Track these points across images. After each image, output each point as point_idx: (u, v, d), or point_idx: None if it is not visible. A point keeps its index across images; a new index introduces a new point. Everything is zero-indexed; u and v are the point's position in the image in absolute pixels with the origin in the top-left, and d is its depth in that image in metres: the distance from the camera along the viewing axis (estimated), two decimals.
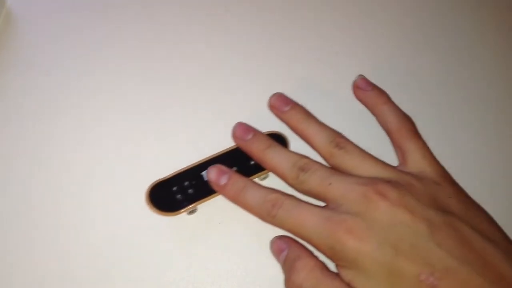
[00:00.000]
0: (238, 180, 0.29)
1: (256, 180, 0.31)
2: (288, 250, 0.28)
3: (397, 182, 0.27)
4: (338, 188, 0.27)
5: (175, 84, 0.38)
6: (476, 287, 0.23)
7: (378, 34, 0.40)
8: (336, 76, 0.38)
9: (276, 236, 0.29)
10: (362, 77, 0.34)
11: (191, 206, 0.30)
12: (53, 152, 0.35)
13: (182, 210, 0.30)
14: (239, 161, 0.31)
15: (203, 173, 0.30)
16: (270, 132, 0.33)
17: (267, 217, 0.28)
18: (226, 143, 0.32)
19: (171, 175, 0.31)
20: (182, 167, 0.31)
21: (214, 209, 0.32)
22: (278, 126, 0.33)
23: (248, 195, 0.29)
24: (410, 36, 0.40)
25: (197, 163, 0.31)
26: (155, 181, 0.31)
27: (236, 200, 0.29)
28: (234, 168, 0.31)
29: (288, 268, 0.27)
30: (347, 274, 0.25)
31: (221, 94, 0.37)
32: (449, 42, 0.40)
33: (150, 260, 0.31)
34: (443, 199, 0.27)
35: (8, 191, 0.34)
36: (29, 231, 0.32)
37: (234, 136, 0.32)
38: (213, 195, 0.30)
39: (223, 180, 0.29)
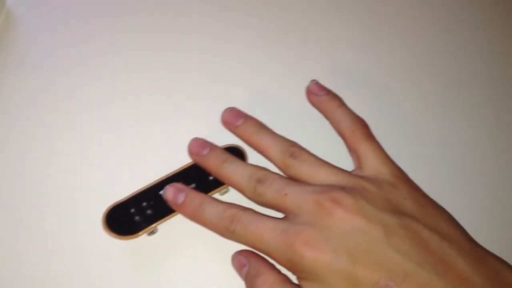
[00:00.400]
0: (195, 197, 0.29)
1: (216, 195, 0.31)
2: (248, 266, 0.27)
3: (351, 188, 0.27)
4: (293, 198, 0.27)
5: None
6: None
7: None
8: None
9: (237, 251, 0.29)
10: (315, 82, 0.34)
11: (150, 227, 0.29)
12: (52, 151, 0.35)
13: (141, 232, 0.29)
14: (198, 177, 0.31)
15: (161, 192, 0.30)
16: (228, 146, 0.32)
17: (226, 233, 0.27)
18: (184, 160, 0.32)
19: (128, 197, 0.30)
20: (139, 188, 0.30)
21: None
22: (236, 139, 0.32)
23: (206, 212, 0.28)
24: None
25: (154, 183, 0.30)
26: (111, 205, 0.30)
27: (194, 218, 0.29)
28: (193, 185, 0.30)
29: (249, 284, 0.27)
30: (308, 286, 0.25)
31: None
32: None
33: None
34: (398, 201, 0.27)
35: (9, 190, 0.34)
36: None
37: (190, 152, 0.31)
38: (172, 214, 0.30)
39: (180, 199, 0.29)
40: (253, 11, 0.41)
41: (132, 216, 0.29)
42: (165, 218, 0.30)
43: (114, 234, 0.29)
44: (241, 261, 0.28)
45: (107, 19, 0.41)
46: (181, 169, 0.31)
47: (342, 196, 0.26)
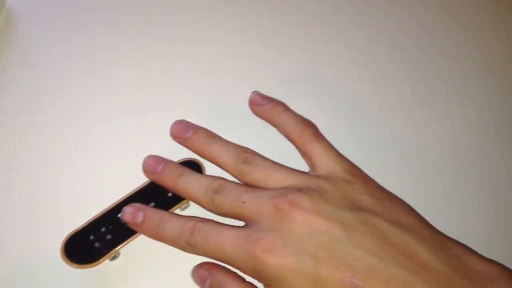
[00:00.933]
0: (154, 215, 0.28)
1: (177, 211, 0.30)
2: (210, 278, 0.27)
3: (308, 188, 0.26)
4: (251, 205, 0.26)
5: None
6: (401, 281, 0.23)
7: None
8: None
9: (197, 265, 0.28)
10: (256, 93, 0.33)
11: (111, 252, 0.28)
12: (52, 151, 0.35)
13: (102, 259, 0.28)
14: (156, 195, 0.30)
15: (120, 215, 0.29)
16: (183, 160, 0.31)
17: (188, 247, 0.27)
18: (140, 179, 0.31)
19: (85, 224, 0.29)
20: (96, 214, 0.29)
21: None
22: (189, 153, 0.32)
23: (166, 228, 0.27)
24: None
25: (112, 206, 0.30)
26: (68, 234, 0.29)
27: (155, 236, 0.28)
28: (152, 204, 0.30)
29: None
30: None
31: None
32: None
33: None
34: (355, 196, 0.26)
35: (9, 190, 0.34)
36: None
37: (144, 170, 0.30)
38: (134, 236, 0.29)
39: (139, 218, 0.28)
40: (253, 11, 0.41)
41: (92, 243, 0.28)
42: (126, 241, 0.29)
43: (75, 264, 0.28)
44: (202, 274, 0.27)
45: (107, 19, 0.41)
46: (138, 189, 0.30)
47: (299, 197, 0.25)
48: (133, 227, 0.29)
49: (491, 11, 0.42)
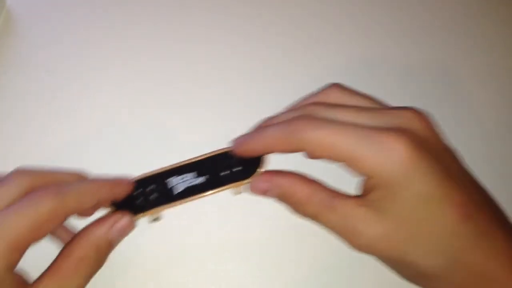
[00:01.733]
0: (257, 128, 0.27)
1: (229, 191, 0.30)
2: (273, 187, 0.26)
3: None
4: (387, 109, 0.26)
5: (176, 82, 0.38)
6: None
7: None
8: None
9: (253, 179, 0.27)
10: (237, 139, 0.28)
11: (152, 210, 0.28)
12: (52, 151, 0.35)
13: (141, 214, 0.28)
14: (211, 170, 0.29)
15: (168, 180, 0.29)
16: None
17: (296, 134, 0.24)
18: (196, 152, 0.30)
19: (137, 178, 0.29)
20: (148, 171, 0.29)
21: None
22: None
23: (268, 130, 0.26)
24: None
25: (164, 169, 0.29)
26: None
27: (258, 143, 0.26)
28: (205, 177, 0.29)
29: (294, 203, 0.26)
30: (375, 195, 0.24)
31: (212, 101, 0.37)
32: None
33: None
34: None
35: None
36: None
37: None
38: (176, 203, 0.29)
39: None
40: (252, 11, 0.41)
41: (136, 198, 0.28)
42: (168, 205, 0.29)
43: (112, 208, 0.28)
44: (262, 186, 0.26)
45: (107, 19, 0.41)
46: (194, 160, 0.29)
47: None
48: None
49: (491, 11, 0.42)
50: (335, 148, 0.24)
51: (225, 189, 0.29)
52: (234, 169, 0.29)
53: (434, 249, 0.23)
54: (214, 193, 0.29)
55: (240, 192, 0.30)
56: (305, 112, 0.26)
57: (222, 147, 0.29)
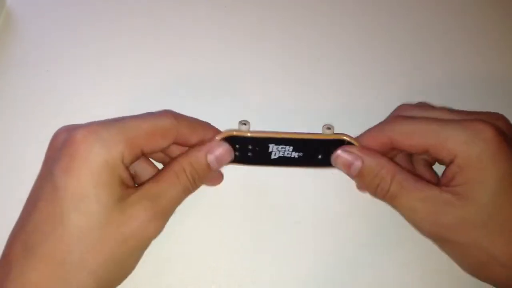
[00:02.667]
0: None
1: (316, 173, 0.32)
2: (362, 161, 0.28)
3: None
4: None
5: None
6: None
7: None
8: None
9: (338, 152, 0.29)
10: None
11: (247, 164, 0.31)
12: None
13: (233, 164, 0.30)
14: (309, 151, 0.30)
15: (271, 145, 0.30)
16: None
17: (386, 129, 0.28)
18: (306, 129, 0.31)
19: (242, 134, 0.30)
20: (254, 132, 0.30)
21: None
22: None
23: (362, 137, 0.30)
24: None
25: (269, 135, 0.30)
26: (230, 132, 0.30)
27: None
28: (300, 154, 0.30)
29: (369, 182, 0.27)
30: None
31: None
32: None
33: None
34: None
35: (10, 191, 0.34)
36: None
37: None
38: (268, 165, 0.31)
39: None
40: (252, 11, 0.41)
41: (235, 150, 0.30)
42: (260, 165, 0.31)
43: None
44: (347, 160, 0.28)
45: (107, 19, 0.41)
46: (300, 137, 0.30)
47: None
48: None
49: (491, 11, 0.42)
50: (417, 135, 0.26)
51: (315, 168, 0.31)
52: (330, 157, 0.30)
53: (509, 235, 0.24)
54: (304, 168, 0.31)
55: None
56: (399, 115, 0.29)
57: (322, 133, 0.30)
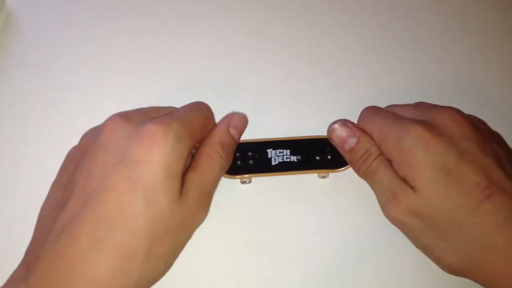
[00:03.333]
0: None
1: (316, 175, 0.33)
2: (358, 138, 0.30)
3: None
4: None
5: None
6: None
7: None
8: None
9: (335, 124, 0.31)
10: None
11: (246, 176, 0.32)
12: (53, 151, 0.35)
13: (238, 176, 0.31)
14: (307, 152, 0.32)
15: (269, 150, 0.32)
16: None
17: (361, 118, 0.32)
18: (301, 133, 0.33)
19: (240, 141, 0.31)
20: (250, 138, 0.32)
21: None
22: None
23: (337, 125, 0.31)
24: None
25: (265, 140, 0.32)
26: None
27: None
28: (298, 157, 0.32)
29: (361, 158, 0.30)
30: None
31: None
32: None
33: None
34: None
35: (11, 191, 0.34)
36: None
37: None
38: (269, 174, 0.32)
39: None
40: (252, 11, 0.41)
41: (236, 159, 0.31)
42: (262, 175, 0.32)
43: None
44: (343, 135, 0.31)
45: (107, 18, 0.41)
46: (295, 138, 0.32)
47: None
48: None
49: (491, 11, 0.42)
50: (371, 125, 0.30)
51: (315, 172, 0.32)
52: (328, 156, 0.32)
53: (454, 222, 0.26)
54: (305, 173, 0.32)
55: (326, 177, 0.33)
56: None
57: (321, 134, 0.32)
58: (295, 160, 0.31)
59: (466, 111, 0.30)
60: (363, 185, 0.31)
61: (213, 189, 0.28)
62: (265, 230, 0.32)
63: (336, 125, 0.31)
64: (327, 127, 0.32)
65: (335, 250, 0.32)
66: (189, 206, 0.26)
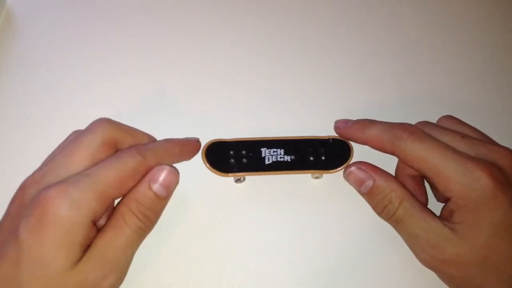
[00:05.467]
0: (364, 120, 0.30)
1: (309, 175, 0.33)
2: (374, 180, 0.28)
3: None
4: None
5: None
6: None
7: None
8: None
9: (352, 166, 0.29)
10: (339, 120, 0.32)
11: (240, 174, 0.31)
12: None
13: (231, 174, 0.31)
14: (301, 152, 0.32)
15: (263, 149, 0.31)
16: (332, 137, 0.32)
17: (395, 140, 0.27)
18: (296, 132, 0.33)
19: (232, 140, 0.32)
20: (244, 137, 0.32)
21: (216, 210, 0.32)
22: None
23: (374, 127, 0.29)
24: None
25: (260, 139, 0.32)
26: (213, 140, 0.32)
27: (360, 133, 0.29)
28: (292, 157, 0.31)
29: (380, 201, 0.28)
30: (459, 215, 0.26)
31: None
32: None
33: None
34: None
35: (10, 191, 0.34)
36: None
37: (336, 127, 0.32)
38: (262, 173, 0.31)
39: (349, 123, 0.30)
40: (252, 11, 0.41)
41: (229, 157, 0.31)
42: (255, 173, 0.31)
43: (208, 165, 0.31)
44: (360, 176, 0.28)
45: (107, 19, 0.41)
46: (289, 138, 0.32)
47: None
48: (342, 131, 0.31)
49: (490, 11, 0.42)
50: (425, 162, 0.27)
51: (309, 172, 0.32)
52: (322, 157, 0.31)
53: (501, 277, 0.25)
54: (299, 173, 0.32)
55: (320, 177, 0.33)
56: (413, 125, 0.29)
57: (317, 135, 0.32)
58: (289, 160, 0.31)
59: (466, 114, 0.30)
60: None
61: (121, 254, 0.25)
62: (258, 229, 0.32)
63: (352, 168, 0.29)
64: (324, 127, 0.32)
65: (328, 250, 0.32)
66: (86, 275, 0.24)
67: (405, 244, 0.29)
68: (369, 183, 0.28)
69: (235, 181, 0.32)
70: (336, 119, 0.32)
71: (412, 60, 0.39)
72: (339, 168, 0.31)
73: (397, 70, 0.39)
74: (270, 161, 0.31)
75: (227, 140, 0.32)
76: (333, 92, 0.37)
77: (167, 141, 0.29)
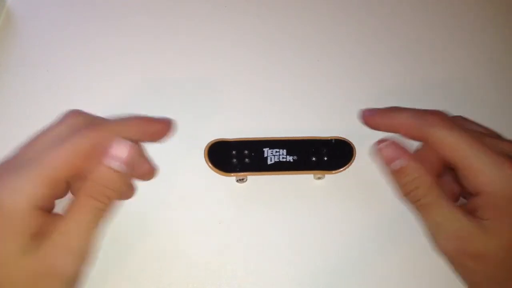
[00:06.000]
0: (391, 107, 0.28)
1: (311, 176, 0.33)
2: (404, 161, 0.27)
3: None
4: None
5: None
6: None
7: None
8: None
9: (384, 143, 0.27)
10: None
11: (242, 174, 0.31)
12: None
13: (233, 174, 0.31)
14: (303, 153, 0.32)
15: (265, 149, 0.31)
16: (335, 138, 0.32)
17: (426, 126, 0.26)
18: (298, 133, 0.33)
19: (235, 139, 0.32)
20: (247, 137, 0.32)
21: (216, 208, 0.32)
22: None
23: (404, 113, 0.28)
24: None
25: (262, 139, 0.32)
26: (216, 139, 0.32)
27: (389, 119, 0.28)
28: (294, 157, 0.31)
29: (406, 181, 0.27)
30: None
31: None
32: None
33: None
34: None
35: None
36: None
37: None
38: (264, 173, 0.31)
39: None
40: (252, 11, 0.41)
41: (232, 157, 0.31)
42: (257, 173, 0.31)
43: (210, 164, 0.31)
44: (392, 154, 0.27)
45: (107, 19, 0.41)
46: (292, 139, 0.32)
47: None
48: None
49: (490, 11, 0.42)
50: (457, 152, 0.26)
51: (312, 173, 0.32)
52: (325, 158, 0.32)
53: None
54: (301, 173, 0.32)
55: (322, 178, 0.33)
56: (444, 113, 0.28)
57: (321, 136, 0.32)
58: (291, 160, 0.31)
59: (466, 114, 0.30)
60: (358, 187, 0.31)
61: (81, 237, 0.24)
62: (259, 229, 0.32)
63: (386, 142, 0.27)
64: (326, 128, 0.32)
65: (329, 251, 0.32)
66: (43, 261, 0.23)
67: (405, 245, 0.29)
68: (401, 161, 0.27)
69: (237, 181, 0.32)
70: (337, 119, 0.32)
71: (412, 60, 0.39)
72: (342, 169, 0.31)
73: (397, 70, 0.39)
74: (273, 161, 0.31)
75: (230, 140, 0.32)
76: (334, 92, 0.37)
77: (130, 117, 0.27)
